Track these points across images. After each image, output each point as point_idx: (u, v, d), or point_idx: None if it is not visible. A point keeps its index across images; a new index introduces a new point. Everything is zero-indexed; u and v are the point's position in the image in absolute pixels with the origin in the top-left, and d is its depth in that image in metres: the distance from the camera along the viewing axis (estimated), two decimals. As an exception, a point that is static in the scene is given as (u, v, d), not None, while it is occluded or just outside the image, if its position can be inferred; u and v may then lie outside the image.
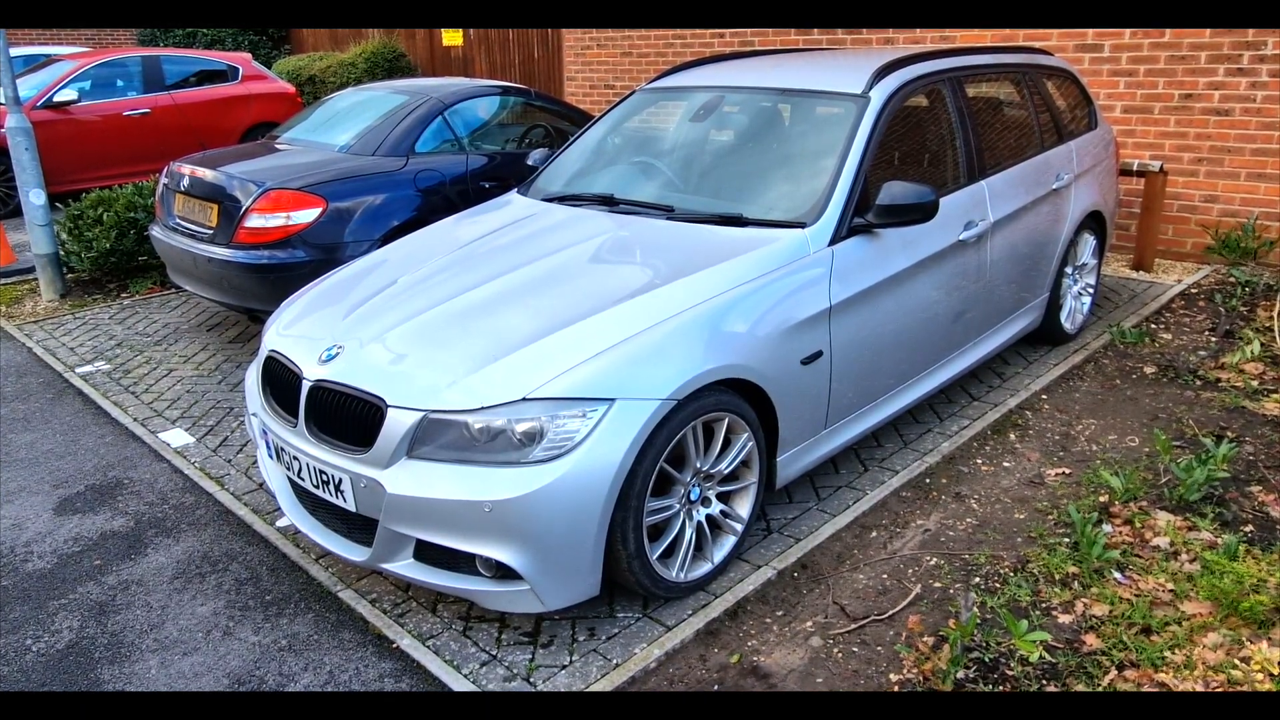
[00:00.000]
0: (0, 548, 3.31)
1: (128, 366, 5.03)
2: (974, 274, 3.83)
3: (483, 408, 2.52)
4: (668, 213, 3.47)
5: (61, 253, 6.43)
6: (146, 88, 9.90)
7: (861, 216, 3.28)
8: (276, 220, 4.69)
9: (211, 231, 4.90)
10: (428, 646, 2.72)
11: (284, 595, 2.99)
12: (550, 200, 3.86)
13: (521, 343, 2.69)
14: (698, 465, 2.82)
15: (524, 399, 2.51)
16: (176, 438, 4.15)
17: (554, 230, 3.46)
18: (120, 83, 9.81)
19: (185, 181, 5.11)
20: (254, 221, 4.70)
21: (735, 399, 2.84)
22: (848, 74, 3.69)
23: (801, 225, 3.21)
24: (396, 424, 2.58)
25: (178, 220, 5.20)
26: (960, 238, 3.67)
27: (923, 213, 3.19)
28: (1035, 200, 4.19)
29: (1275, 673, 2.24)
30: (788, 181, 3.44)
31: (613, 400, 2.54)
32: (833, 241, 3.21)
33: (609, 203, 3.67)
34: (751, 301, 2.92)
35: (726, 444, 2.90)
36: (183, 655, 2.72)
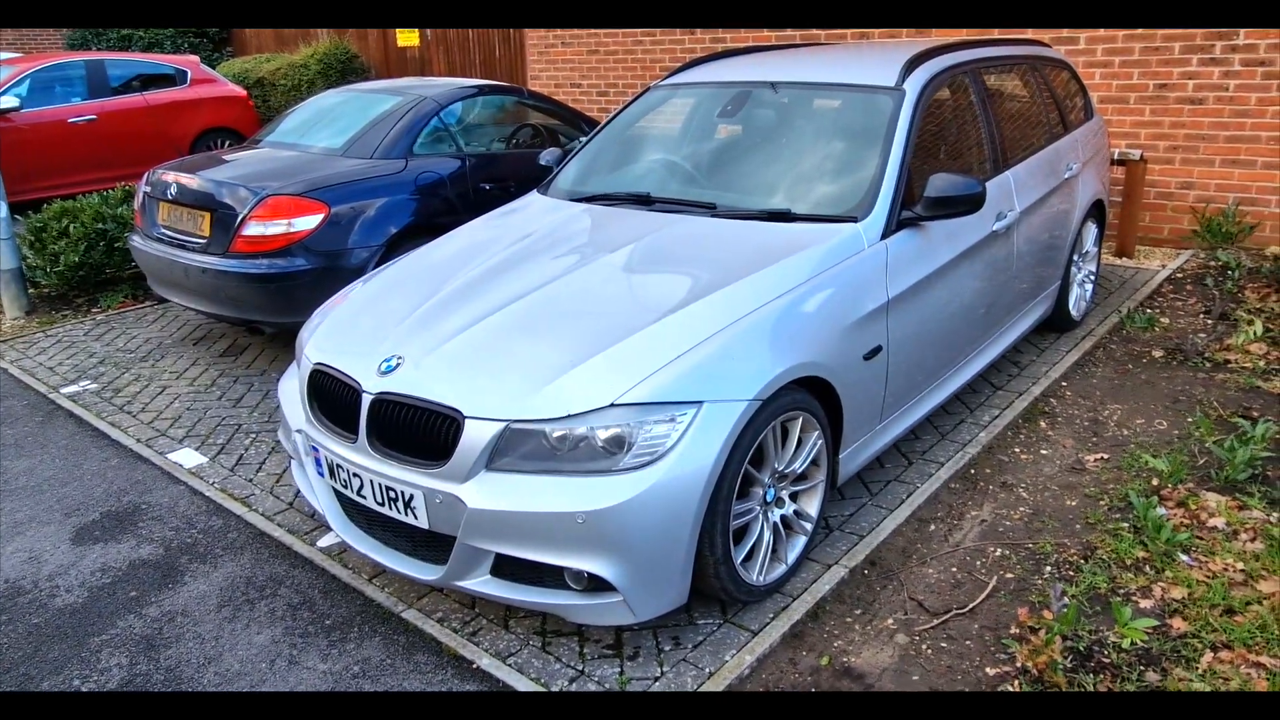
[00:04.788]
0: (21, 583, 3.11)
1: (117, 385, 4.79)
2: (1003, 264, 3.86)
3: (569, 415, 2.44)
4: (710, 210, 3.42)
5: (24, 267, 6.10)
6: (91, 93, 9.47)
7: (909, 209, 3.28)
8: (277, 227, 4.50)
9: (204, 241, 4.68)
10: (509, 665, 2.63)
11: (344, 619, 2.86)
12: (580, 200, 3.77)
13: (597, 347, 2.61)
14: (775, 465, 2.78)
15: (612, 405, 2.44)
16: (188, 458, 3.95)
17: (598, 230, 3.38)
18: (63, 88, 9.36)
19: (172, 189, 4.88)
20: (253, 229, 4.51)
21: (808, 397, 2.80)
22: (877, 67, 3.68)
23: (853, 219, 3.19)
24: (476, 436, 2.48)
25: (163, 230, 4.97)
26: (993, 228, 3.70)
27: (971, 204, 3.19)
28: (1051, 190, 4.25)
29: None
30: (831, 175, 3.42)
31: (701, 403, 2.48)
32: (884, 235, 3.20)
33: (645, 201, 3.60)
34: (819, 297, 2.89)
35: (799, 443, 2.86)
36: (250, 688, 2.58)
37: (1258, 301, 5.14)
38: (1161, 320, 5.05)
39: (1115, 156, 6.15)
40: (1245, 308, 5.09)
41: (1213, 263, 5.92)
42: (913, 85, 3.56)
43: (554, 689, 2.53)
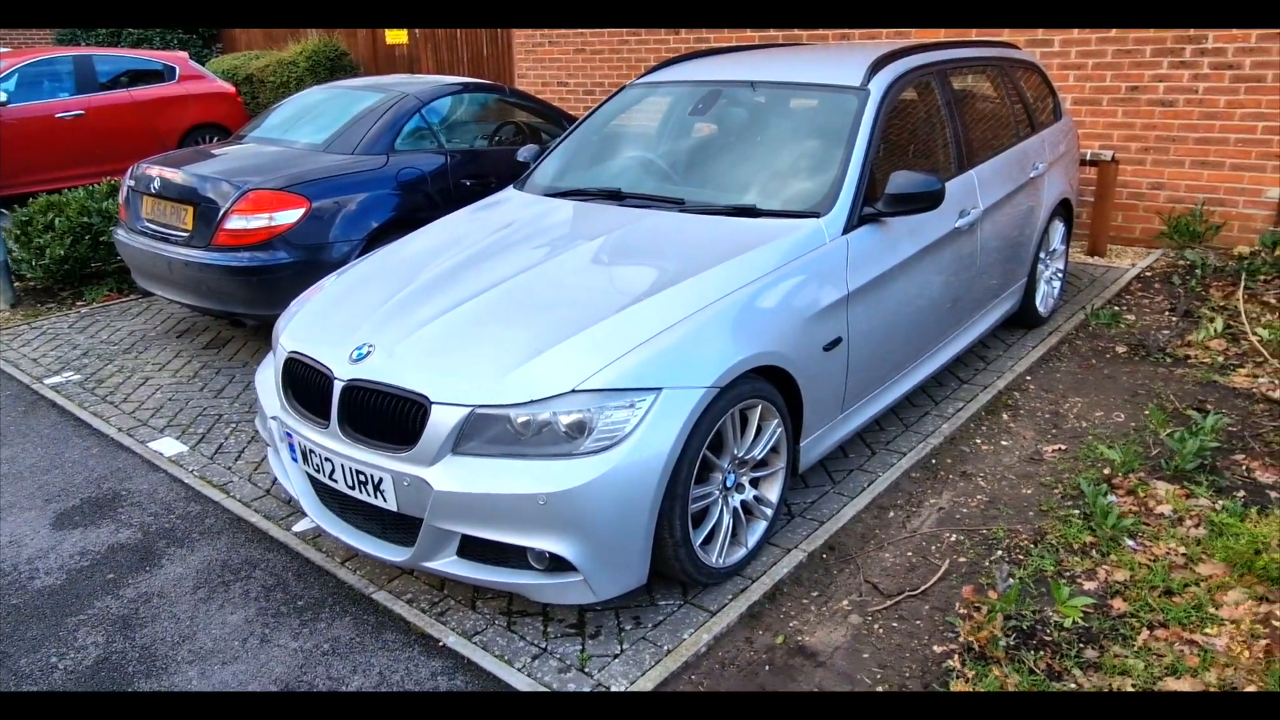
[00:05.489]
0: (1, 565, 3.18)
1: (100, 376, 4.86)
2: (967, 260, 3.96)
3: (532, 401, 2.53)
4: (679, 205, 3.51)
5: (9, 260, 6.16)
6: (79, 88, 9.51)
7: (871, 206, 3.37)
8: (258, 221, 4.58)
9: (187, 234, 4.75)
10: (475, 643, 2.71)
11: (316, 600, 2.95)
12: (554, 195, 3.86)
13: (562, 336, 2.69)
14: (734, 452, 2.87)
15: (574, 390, 2.53)
16: (168, 446, 4.03)
17: (570, 224, 3.46)
18: (51, 84, 9.40)
19: (155, 183, 4.95)
20: (235, 223, 4.58)
21: (768, 386, 2.90)
22: (844, 68, 3.77)
23: (815, 215, 3.28)
24: (442, 421, 2.57)
25: (146, 223, 5.04)
26: (956, 225, 3.80)
27: (931, 200, 3.29)
28: (1016, 189, 4.35)
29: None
30: (796, 173, 3.51)
31: (660, 390, 2.57)
32: (845, 230, 3.29)
33: (616, 197, 3.69)
34: (778, 290, 2.98)
35: (758, 431, 2.95)
36: (222, 664, 2.66)
37: (1222, 300, 5.26)
38: (1127, 317, 5.16)
39: (1088, 157, 6.27)
40: (1209, 305, 5.21)
41: (1181, 262, 6.04)
42: (877, 85, 3.65)
43: (516, 666, 2.61)
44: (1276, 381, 4.13)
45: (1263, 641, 2.44)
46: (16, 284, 6.32)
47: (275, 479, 3.67)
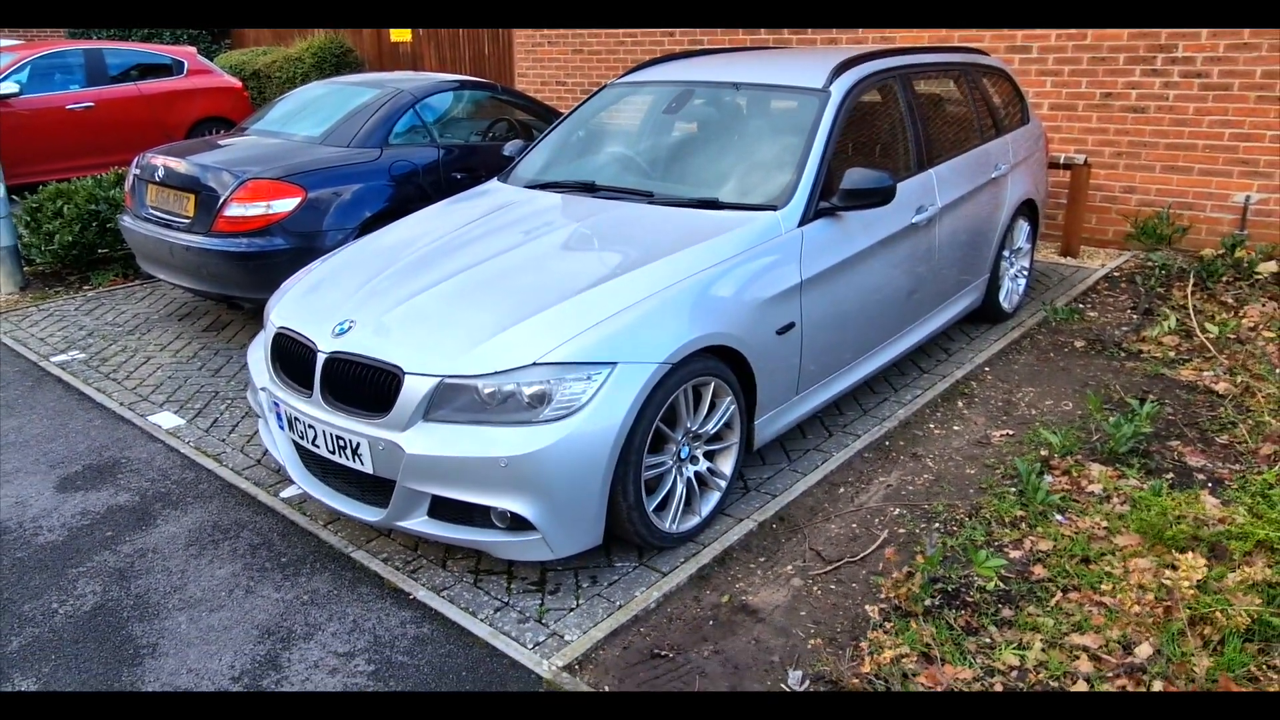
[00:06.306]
0: (7, 524, 3.42)
1: (104, 355, 5.09)
2: (924, 255, 4.17)
3: (495, 372, 2.75)
4: (648, 198, 3.73)
5: (19, 245, 6.40)
6: (89, 81, 9.77)
7: (827, 200, 3.59)
8: (256, 209, 4.81)
9: (189, 221, 4.99)
10: (443, 596, 2.94)
11: (298, 557, 3.17)
12: (533, 187, 4.08)
13: (527, 314, 2.92)
14: (688, 425, 3.09)
15: (534, 364, 2.75)
16: (166, 420, 4.26)
17: (545, 213, 3.69)
18: (63, 76, 9.66)
19: (160, 172, 5.19)
20: (233, 210, 4.82)
21: (720, 365, 3.12)
22: (808, 70, 3.99)
23: (773, 208, 3.50)
24: (414, 390, 2.79)
25: (150, 210, 5.27)
26: (912, 221, 4.01)
27: (882, 196, 3.51)
28: (977, 188, 4.56)
29: (1200, 577, 2.60)
30: (758, 168, 3.73)
31: (614, 364, 2.79)
32: (801, 223, 3.51)
33: (590, 189, 3.91)
34: (733, 276, 3.20)
35: (712, 407, 3.17)
36: (210, 611, 2.89)
37: (1182, 299, 5.46)
38: (1090, 314, 5.36)
39: (1061, 161, 6.48)
40: (1170, 304, 5.41)
41: (1149, 263, 6.24)
42: (839, 87, 3.87)
43: (479, 617, 2.84)
44: (1219, 374, 4.34)
45: (1163, 603, 2.65)
46: (26, 268, 6.57)
47: (266, 450, 3.90)
